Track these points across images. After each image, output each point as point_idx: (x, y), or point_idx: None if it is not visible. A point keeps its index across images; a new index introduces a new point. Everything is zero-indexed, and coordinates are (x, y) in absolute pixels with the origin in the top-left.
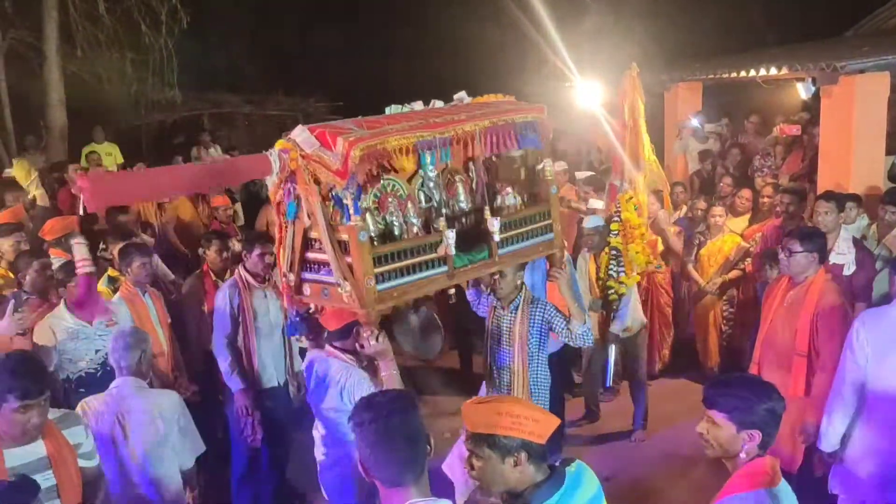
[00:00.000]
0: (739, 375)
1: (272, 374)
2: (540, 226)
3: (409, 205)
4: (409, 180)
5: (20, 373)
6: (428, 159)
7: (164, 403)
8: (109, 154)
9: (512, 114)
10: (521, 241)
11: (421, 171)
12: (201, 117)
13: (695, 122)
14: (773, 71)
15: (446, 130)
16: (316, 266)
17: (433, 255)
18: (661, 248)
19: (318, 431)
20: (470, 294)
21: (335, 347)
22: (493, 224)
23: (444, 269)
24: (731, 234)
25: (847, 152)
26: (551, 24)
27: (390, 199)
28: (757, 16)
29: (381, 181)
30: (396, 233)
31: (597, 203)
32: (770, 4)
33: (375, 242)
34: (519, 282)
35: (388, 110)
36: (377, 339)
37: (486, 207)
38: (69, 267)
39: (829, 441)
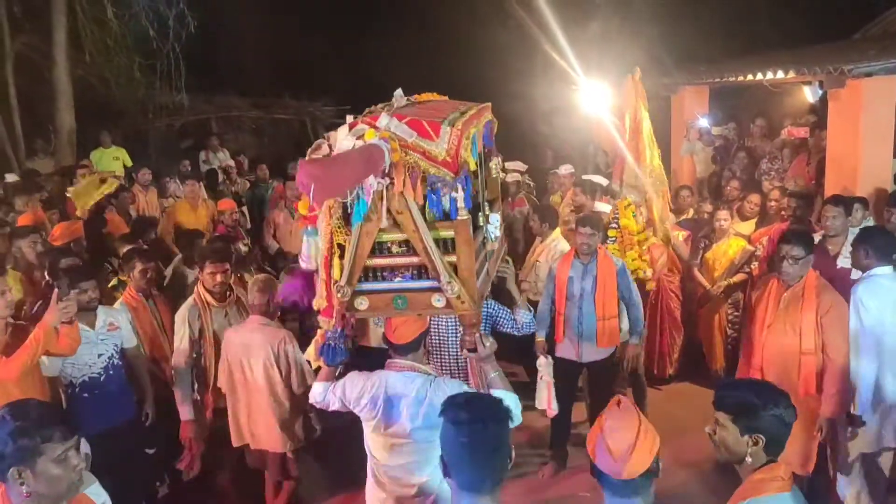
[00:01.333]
0: (751, 379)
1: None
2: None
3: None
4: None
5: (45, 417)
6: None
7: (273, 337)
8: (117, 158)
9: (485, 112)
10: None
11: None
12: (209, 121)
13: (703, 122)
14: (781, 74)
15: (478, 123)
16: (384, 273)
17: (489, 248)
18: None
19: (402, 458)
20: None
21: (405, 361)
22: (494, 220)
23: (487, 264)
24: (736, 238)
25: (854, 155)
26: (558, 27)
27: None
28: (764, 19)
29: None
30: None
31: (603, 206)
32: (777, 8)
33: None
34: None
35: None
36: (489, 342)
37: (485, 203)
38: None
39: (863, 404)
